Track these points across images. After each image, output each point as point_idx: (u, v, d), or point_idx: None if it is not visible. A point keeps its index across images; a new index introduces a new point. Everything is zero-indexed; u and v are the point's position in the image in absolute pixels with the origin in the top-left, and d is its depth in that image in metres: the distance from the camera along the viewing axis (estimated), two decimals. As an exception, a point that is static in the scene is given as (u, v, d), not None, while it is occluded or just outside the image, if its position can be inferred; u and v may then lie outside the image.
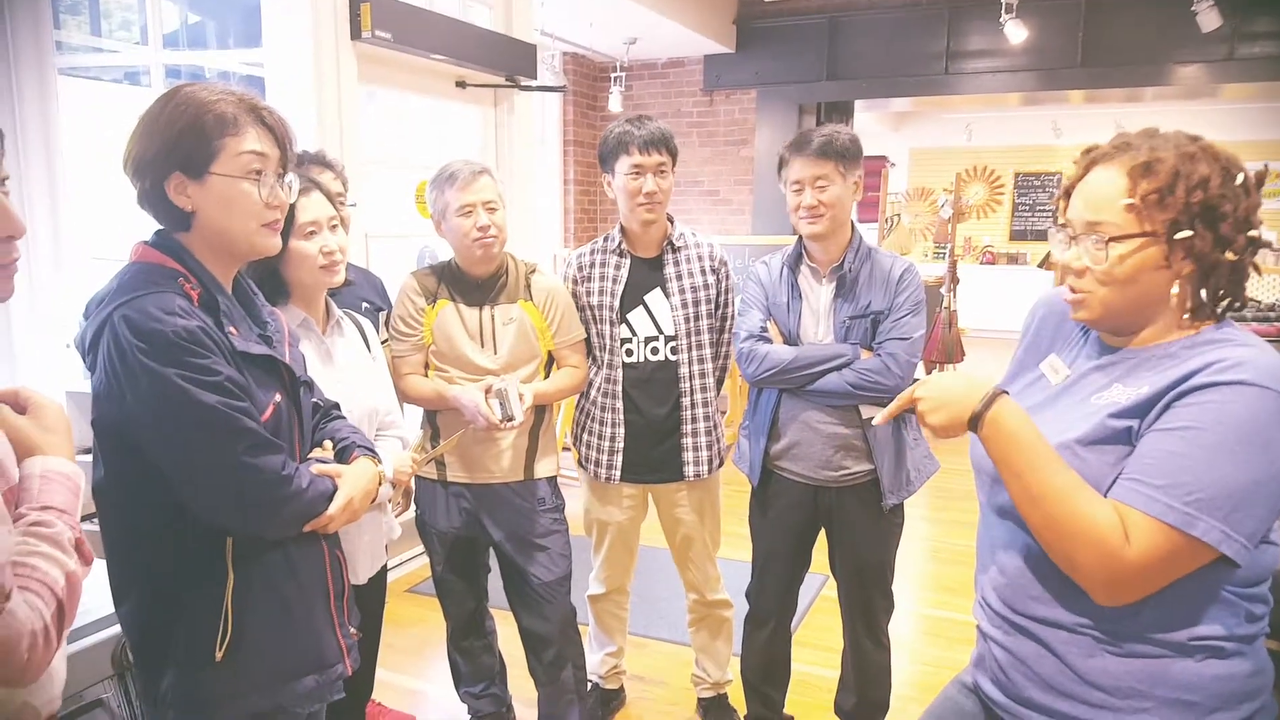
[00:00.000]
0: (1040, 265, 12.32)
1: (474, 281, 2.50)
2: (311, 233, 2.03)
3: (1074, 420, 1.35)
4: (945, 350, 7.34)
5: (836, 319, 2.41)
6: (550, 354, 2.59)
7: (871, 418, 2.33)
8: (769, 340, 2.46)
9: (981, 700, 1.49)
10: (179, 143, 1.43)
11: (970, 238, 13.03)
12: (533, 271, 2.57)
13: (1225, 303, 1.30)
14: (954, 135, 12.92)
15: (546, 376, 2.58)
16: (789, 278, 2.47)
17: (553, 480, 2.63)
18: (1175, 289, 1.28)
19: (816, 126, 2.41)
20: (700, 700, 3.02)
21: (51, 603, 1.06)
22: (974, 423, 1.31)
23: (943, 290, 7.47)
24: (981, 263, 13.03)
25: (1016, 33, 6.44)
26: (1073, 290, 1.36)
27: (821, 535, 2.60)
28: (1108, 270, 1.30)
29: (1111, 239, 1.29)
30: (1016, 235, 13.18)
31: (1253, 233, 1.28)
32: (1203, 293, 1.28)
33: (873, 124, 12.21)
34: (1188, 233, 1.25)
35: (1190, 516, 1.18)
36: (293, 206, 1.96)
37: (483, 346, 2.49)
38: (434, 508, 2.59)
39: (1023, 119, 12.43)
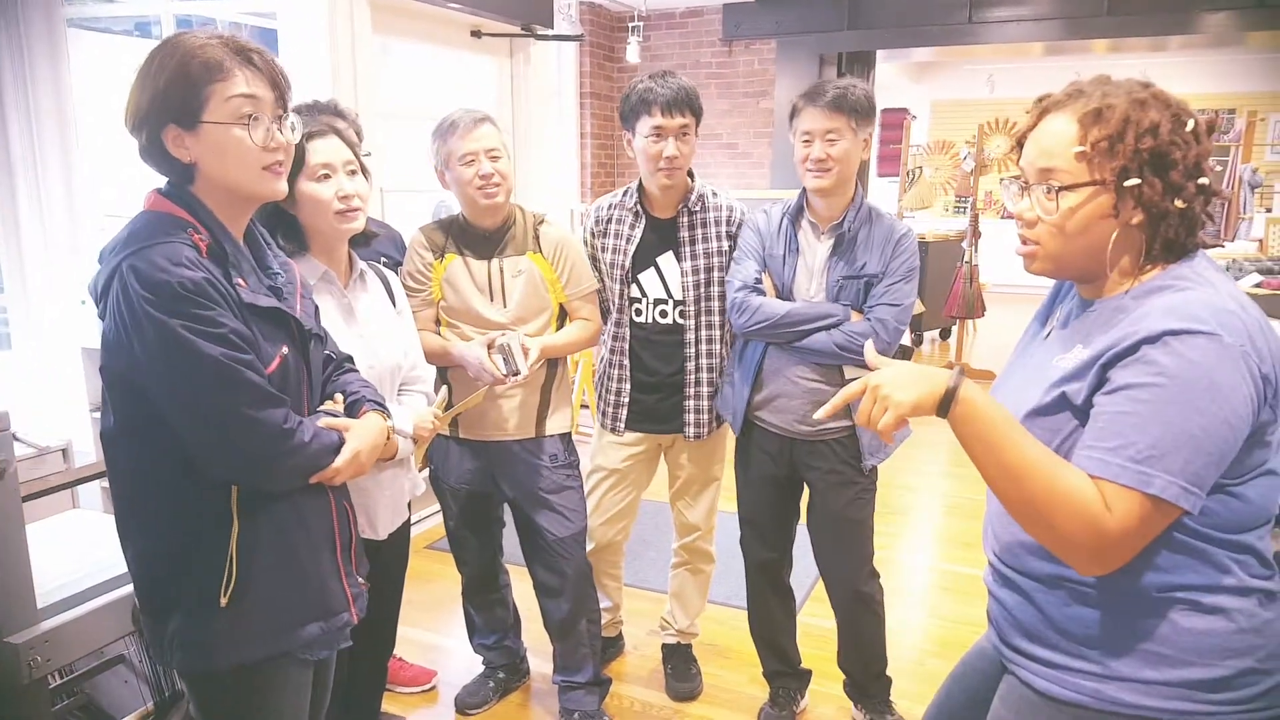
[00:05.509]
0: (1003, 216, 12.18)
1: (481, 234, 2.47)
2: (324, 175, 1.97)
3: (1032, 390, 1.33)
4: (966, 305, 7.26)
5: (830, 277, 2.38)
6: (563, 307, 2.56)
7: (854, 378, 2.33)
8: (763, 292, 2.43)
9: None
10: (168, 93, 1.41)
11: (992, 192, 12.86)
12: (541, 222, 2.53)
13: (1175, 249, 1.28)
14: (976, 87, 12.69)
15: (559, 330, 2.56)
16: (788, 230, 2.43)
17: (566, 437, 2.62)
18: (1114, 236, 1.26)
19: (833, 78, 2.34)
20: (663, 646, 3.04)
21: None
22: (947, 399, 1.24)
23: (964, 244, 7.38)
24: (1003, 217, 12.85)
25: (1043, -21, 6.29)
26: (1024, 241, 1.35)
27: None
28: (1058, 221, 1.29)
29: (1062, 188, 1.27)
30: (1039, 189, 12.98)
31: (1202, 180, 1.25)
32: (1155, 242, 1.27)
33: (894, 75, 12.01)
34: (1136, 181, 1.23)
35: (1145, 475, 1.16)
36: (301, 149, 1.92)
37: (492, 300, 2.47)
38: (447, 464, 2.60)
39: (1046, 70, 12.09)
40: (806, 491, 2.58)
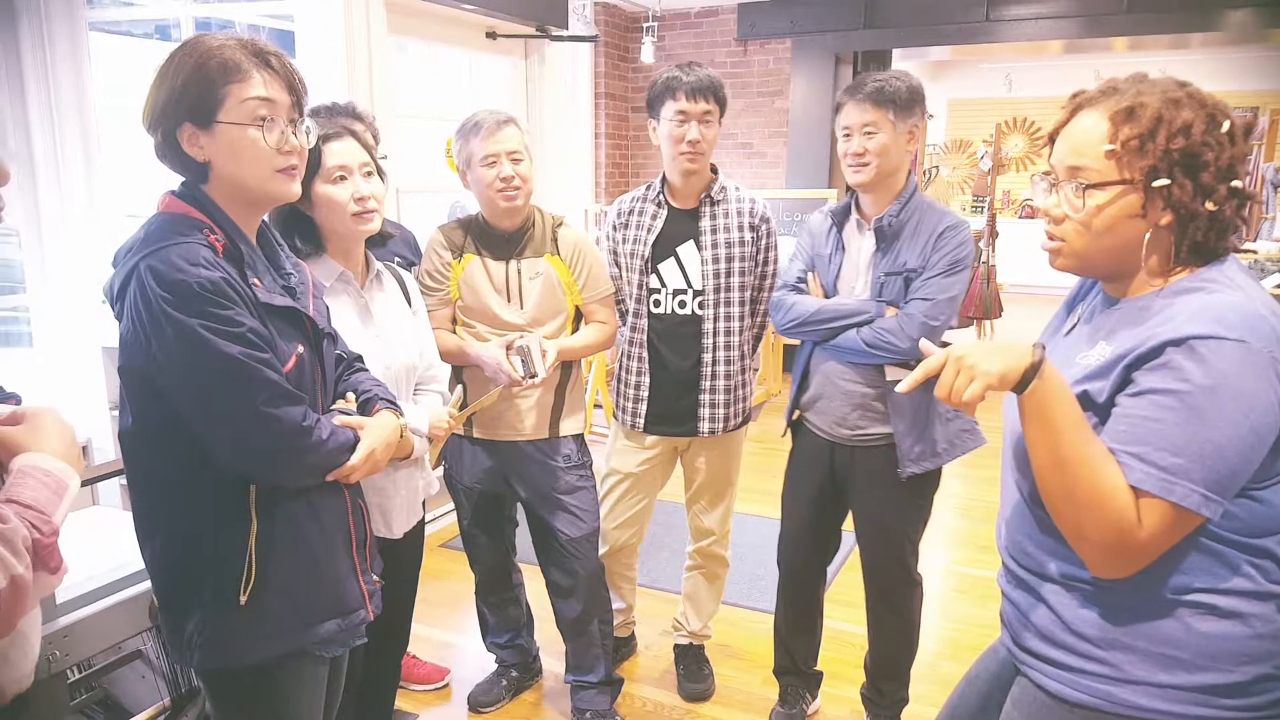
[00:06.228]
0: (1021, 216, 12.06)
1: (500, 235, 2.48)
2: (340, 178, 1.98)
3: None
4: (983, 306, 7.24)
5: (874, 274, 2.34)
6: (579, 309, 2.57)
7: (896, 380, 2.31)
8: (803, 290, 2.42)
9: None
10: (185, 91, 1.43)
11: (1009, 191, 12.80)
12: (560, 225, 2.54)
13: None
14: (993, 85, 12.62)
15: (575, 332, 2.56)
16: (835, 229, 2.42)
17: (579, 438, 2.63)
18: (1147, 238, 1.25)
19: (877, 72, 2.32)
20: (676, 647, 3.05)
21: None
22: (1030, 373, 1.21)
23: (981, 244, 7.35)
24: (1020, 217, 12.80)
25: (1062, -22, 6.24)
26: (1050, 237, 1.33)
27: None
28: (1085, 219, 1.27)
29: (1090, 186, 1.26)
30: (1057, 188, 12.90)
31: (1235, 183, 1.23)
32: (1183, 244, 1.25)
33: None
34: (1165, 181, 1.21)
35: (1168, 482, 1.16)
36: (318, 151, 1.93)
37: (509, 301, 2.48)
38: (460, 463, 2.62)
39: (1064, 68, 12.07)
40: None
